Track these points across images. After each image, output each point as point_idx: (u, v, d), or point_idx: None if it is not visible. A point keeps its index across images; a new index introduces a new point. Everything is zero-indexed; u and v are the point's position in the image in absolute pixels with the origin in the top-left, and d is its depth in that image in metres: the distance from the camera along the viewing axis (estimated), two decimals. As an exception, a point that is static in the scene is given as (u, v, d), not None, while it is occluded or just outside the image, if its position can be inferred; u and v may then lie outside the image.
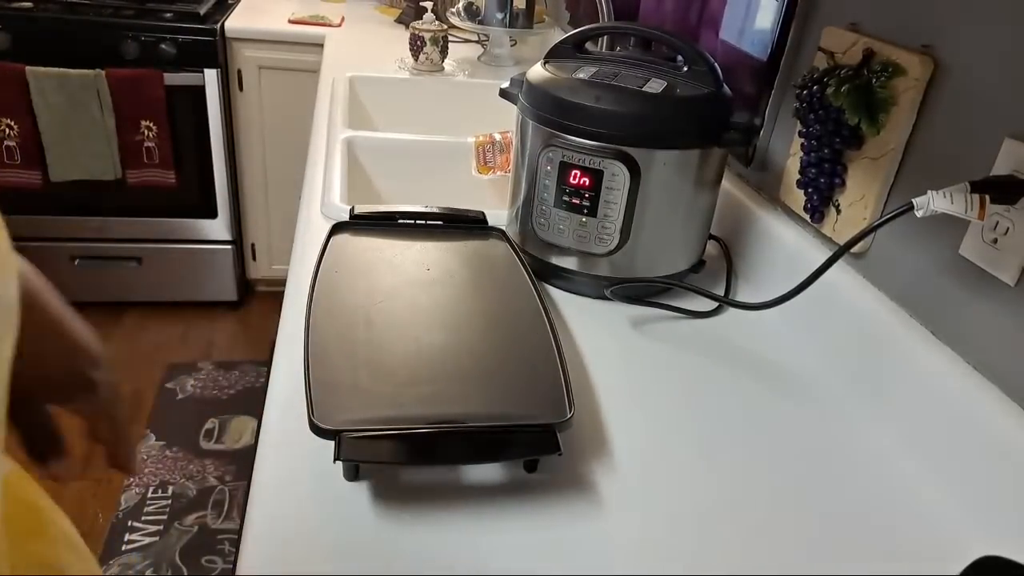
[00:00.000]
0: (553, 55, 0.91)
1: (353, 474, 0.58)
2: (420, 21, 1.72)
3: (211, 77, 2.11)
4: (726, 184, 1.02)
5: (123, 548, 1.65)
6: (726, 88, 0.85)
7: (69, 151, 2.07)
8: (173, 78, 2.07)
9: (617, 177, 0.80)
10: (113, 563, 1.61)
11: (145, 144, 2.12)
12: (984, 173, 0.63)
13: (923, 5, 0.71)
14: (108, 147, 2.09)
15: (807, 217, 0.86)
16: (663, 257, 0.87)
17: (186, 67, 2.08)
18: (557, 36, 1.15)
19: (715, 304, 0.89)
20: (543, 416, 0.60)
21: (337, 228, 0.86)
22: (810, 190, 0.84)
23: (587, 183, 0.81)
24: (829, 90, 0.77)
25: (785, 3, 0.92)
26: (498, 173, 1.26)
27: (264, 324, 2.47)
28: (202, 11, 2.11)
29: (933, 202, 0.60)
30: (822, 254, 0.80)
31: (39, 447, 0.51)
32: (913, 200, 0.61)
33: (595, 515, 0.58)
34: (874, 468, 0.67)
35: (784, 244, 0.88)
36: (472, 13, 1.88)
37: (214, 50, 2.09)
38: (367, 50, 1.97)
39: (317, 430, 0.55)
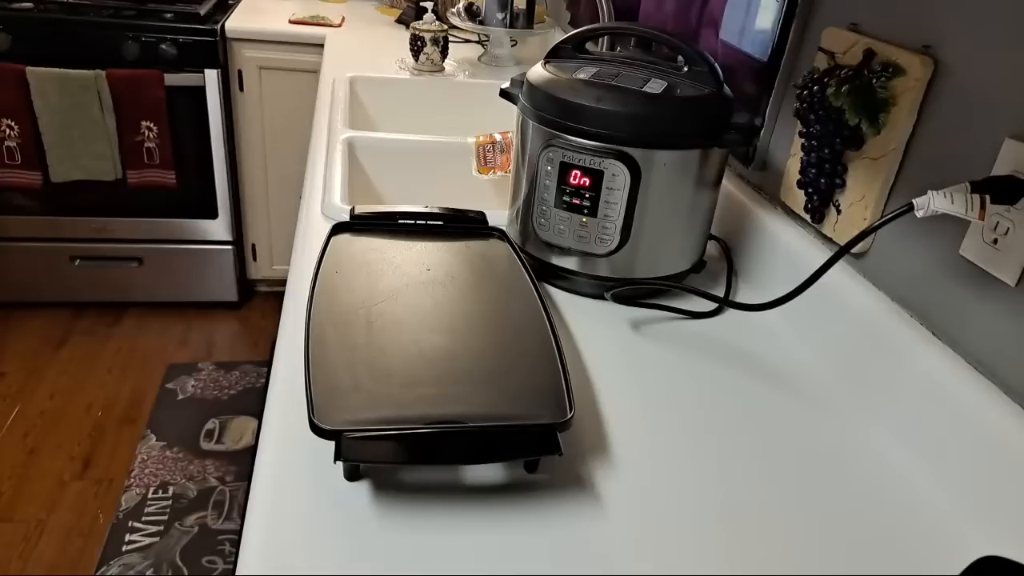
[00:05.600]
0: (553, 55, 0.91)
1: (353, 474, 0.58)
2: (420, 21, 1.72)
3: (211, 77, 2.11)
4: (726, 184, 1.02)
5: (124, 549, 1.65)
6: (726, 88, 0.85)
7: (70, 152, 2.07)
8: (173, 78, 2.07)
9: (617, 177, 0.80)
10: (114, 563, 1.61)
11: (145, 144, 2.12)
12: (984, 173, 0.63)
13: (923, 5, 0.71)
14: (109, 147, 2.09)
15: (807, 217, 0.86)
16: (663, 257, 0.87)
17: (186, 67, 2.08)
18: (557, 36, 1.16)
19: (715, 304, 0.89)
20: (543, 416, 0.60)
21: (337, 228, 0.86)
22: (810, 190, 0.84)
23: (587, 183, 0.81)
24: (829, 90, 0.77)
25: (785, 3, 0.92)
26: (498, 173, 1.26)
27: (264, 324, 2.47)
28: (202, 11, 2.11)
29: (933, 202, 0.60)
30: (822, 254, 0.80)
31: None
32: (913, 200, 0.61)
33: (595, 515, 0.58)
34: (873, 468, 0.67)
35: (784, 244, 0.88)
36: (472, 13, 1.88)
37: (214, 50, 2.09)
38: (367, 50, 1.97)
39: (317, 430, 0.55)
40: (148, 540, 1.67)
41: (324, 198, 1.02)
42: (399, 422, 0.57)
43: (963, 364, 0.65)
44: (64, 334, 2.32)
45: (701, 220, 0.89)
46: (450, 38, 1.78)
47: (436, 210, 0.90)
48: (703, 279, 0.95)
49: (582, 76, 0.83)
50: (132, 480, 1.82)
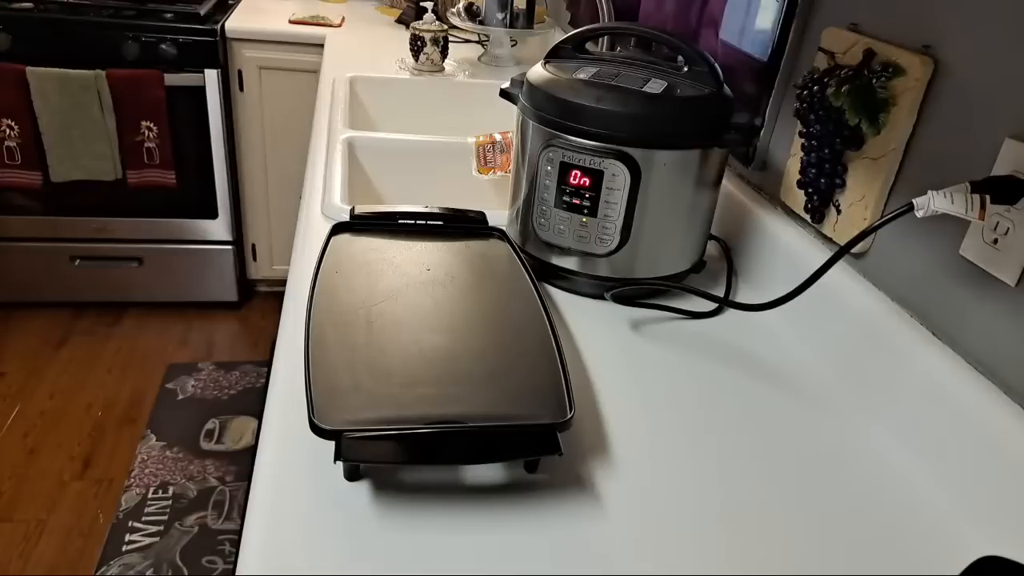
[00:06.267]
0: (553, 55, 0.91)
1: (353, 474, 0.58)
2: (420, 21, 1.72)
3: (211, 77, 2.11)
4: (726, 184, 1.02)
5: (124, 549, 1.65)
6: (727, 88, 0.85)
7: (70, 152, 2.07)
8: (173, 78, 2.07)
9: (617, 177, 0.80)
10: (114, 563, 1.61)
11: (145, 144, 2.12)
12: (984, 173, 0.63)
13: (923, 5, 0.71)
14: (109, 147, 2.09)
15: (807, 217, 0.86)
16: (663, 257, 0.87)
17: (186, 67, 2.08)
18: (557, 36, 1.16)
19: (715, 304, 0.89)
20: (543, 416, 0.60)
21: (337, 228, 0.86)
22: (810, 190, 0.84)
23: (587, 183, 0.81)
24: (829, 90, 0.77)
25: (785, 3, 0.92)
26: (498, 173, 1.26)
27: (264, 324, 2.47)
28: (202, 11, 2.11)
29: (933, 202, 0.60)
30: (822, 254, 0.80)
31: None
32: (913, 200, 0.61)
33: (595, 515, 0.58)
34: (873, 468, 0.67)
35: (784, 244, 0.88)
36: (472, 13, 1.88)
37: (214, 50, 2.09)
38: (367, 50, 1.97)
39: (317, 430, 0.55)
40: (148, 540, 1.67)
41: (324, 198, 1.02)
42: (399, 422, 0.57)
43: (963, 364, 0.65)
44: (64, 334, 2.32)
45: (701, 220, 0.89)
46: (450, 38, 1.78)
47: (436, 210, 0.90)
48: (703, 279, 0.95)
49: (582, 76, 0.83)
50: (132, 480, 1.82)
